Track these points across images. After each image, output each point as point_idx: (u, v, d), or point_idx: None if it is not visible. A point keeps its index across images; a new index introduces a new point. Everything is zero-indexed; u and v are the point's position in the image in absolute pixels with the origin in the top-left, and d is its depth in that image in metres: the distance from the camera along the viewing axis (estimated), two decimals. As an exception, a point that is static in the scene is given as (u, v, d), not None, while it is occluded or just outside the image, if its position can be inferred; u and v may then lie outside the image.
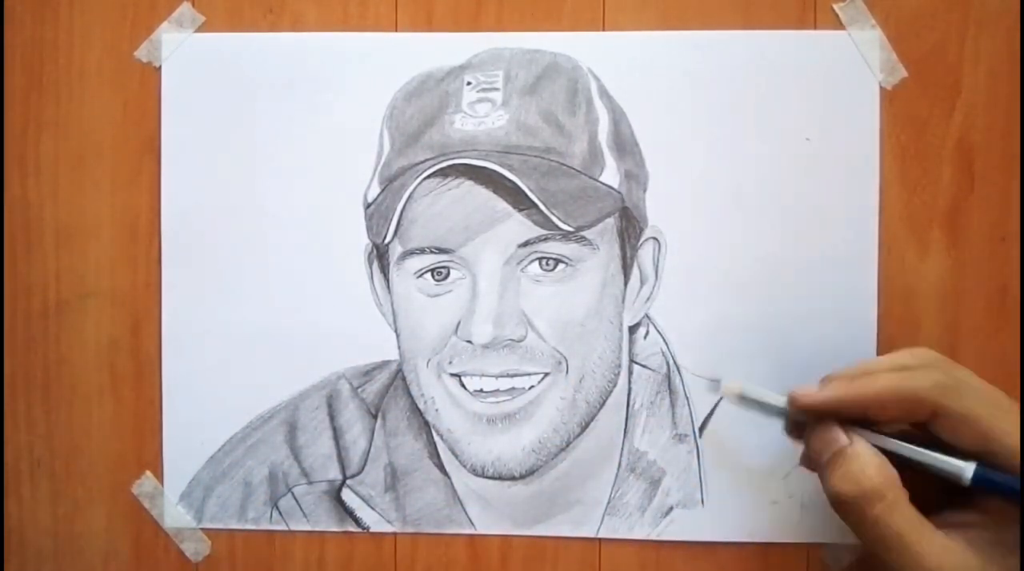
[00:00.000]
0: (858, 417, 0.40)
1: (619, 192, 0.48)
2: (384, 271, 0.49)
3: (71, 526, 0.51)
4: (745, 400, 0.43)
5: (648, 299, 0.49)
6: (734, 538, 0.49)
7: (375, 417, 0.50)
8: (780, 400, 0.42)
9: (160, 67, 0.50)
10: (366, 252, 0.50)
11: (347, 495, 0.50)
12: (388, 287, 0.49)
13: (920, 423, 0.40)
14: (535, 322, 0.47)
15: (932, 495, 0.39)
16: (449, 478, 0.50)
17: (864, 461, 0.39)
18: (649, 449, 0.49)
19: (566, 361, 0.48)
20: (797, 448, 0.43)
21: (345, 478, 0.50)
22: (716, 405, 0.49)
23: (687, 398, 0.49)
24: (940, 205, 0.48)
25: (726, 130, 0.48)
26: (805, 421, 0.42)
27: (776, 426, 0.43)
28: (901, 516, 0.38)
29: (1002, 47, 0.48)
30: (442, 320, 0.48)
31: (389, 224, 0.47)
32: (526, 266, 0.47)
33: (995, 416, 0.38)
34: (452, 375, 0.48)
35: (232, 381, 0.50)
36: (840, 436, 0.40)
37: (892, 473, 0.39)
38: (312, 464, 0.50)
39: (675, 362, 0.49)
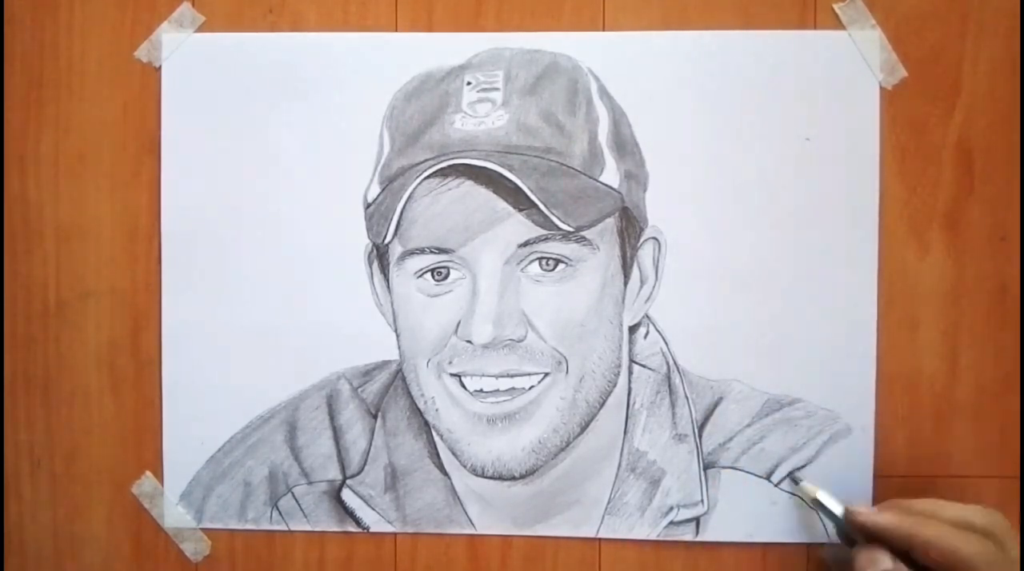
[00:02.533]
0: (904, 550, 0.42)
1: (619, 192, 0.48)
2: (384, 271, 0.49)
3: (71, 526, 0.51)
4: (815, 502, 0.46)
5: (648, 299, 0.49)
6: (734, 538, 0.49)
7: (375, 417, 0.50)
8: (839, 508, 0.45)
9: (160, 67, 0.50)
10: (366, 252, 0.50)
11: (347, 495, 0.50)
12: (388, 287, 0.49)
13: None
14: (535, 322, 0.47)
15: None
16: (449, 478, 0.50)
17: None
18: (649, 449, 0.49)
19: (566, 361, 0.48)
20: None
21: (345, 478, 0.50)
22: (716, 405, 0.49)
23: (687, 398, 0.49)
24: (940, 205, 0.48)
25: (726, 130, 0.48)
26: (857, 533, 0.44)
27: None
28: None
29: (1002, 47, 0.48)
30: (442, 320, 0.47)
31: (389, 224, 0.47)
32: (526, 266, 0.47)
33: None
34: (452, 375, 0.48)
35: (232, 381, 0.50)
36: (886, 562, 0.42)
37: None
38: (312, 464, 0.50)
39: (675, 362, 0.49)
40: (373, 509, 0.50)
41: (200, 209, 0.50)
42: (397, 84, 0.49)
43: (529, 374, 0.47)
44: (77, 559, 0.51)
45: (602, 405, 0.48)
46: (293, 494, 0.50)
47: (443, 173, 0.47)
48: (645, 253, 0.49)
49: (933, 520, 0.43)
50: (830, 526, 0.47)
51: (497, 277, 0.47)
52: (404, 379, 0.49)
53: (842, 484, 0.48)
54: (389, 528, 0.50)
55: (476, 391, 0.48)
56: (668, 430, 0.49)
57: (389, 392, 0.50)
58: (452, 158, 0.46)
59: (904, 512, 0.43)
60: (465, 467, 0.49)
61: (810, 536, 0.48)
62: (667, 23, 0.49)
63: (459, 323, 0.47)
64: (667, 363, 0.49)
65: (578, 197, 0.46)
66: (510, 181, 0.45)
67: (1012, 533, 0.42)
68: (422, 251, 0.47)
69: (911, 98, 0.48)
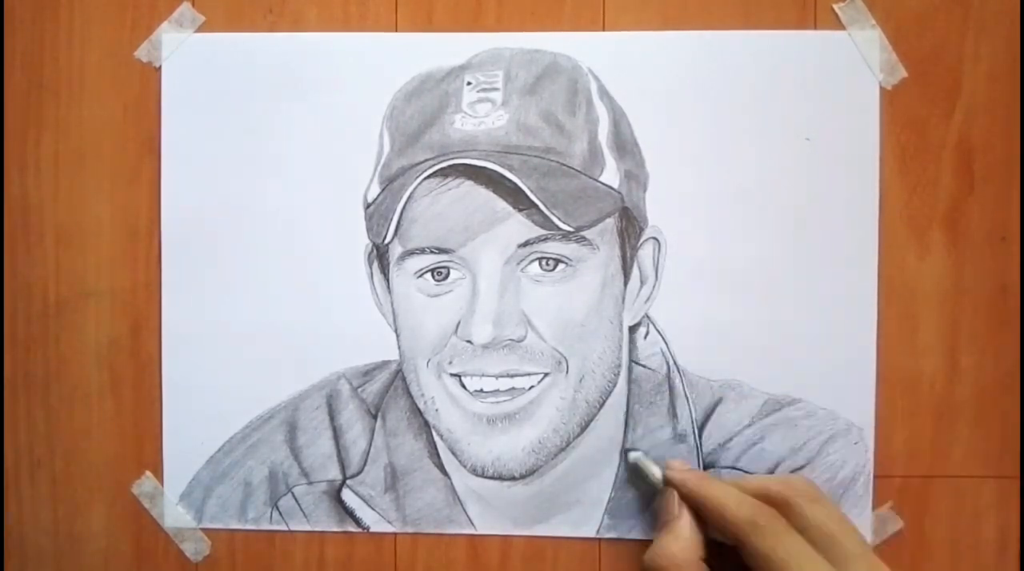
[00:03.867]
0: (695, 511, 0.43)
1: (619, 192, 0.48)
2: (384, 271, 0.49)
3: (71, 526, 0.51)
4: (632, 468, 0.48)
5: (648, 299, 0.49)
6: (734, 538, 0.49)
7: (375, 417, 0.50)
8: (657, 470, 0.46)
9: (160, 67, 0.50)
10: (366, 252, 0.50)
11: (347, 495, 0.50)
12: (388, 287, 0.49)
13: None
14: (535, 322, 0.47)
15: None
16: (449, 478, 0.50)
17: (672, 536, 0.43)
18: (649, 449, 0.49)
19: (566, 361, 0.48)
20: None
21: (345, 478, 0.50)
22: (716, 405, 0.49)
23: (687, 398, 0.49)
24: (940, 205, 0.48)
25: (726, 130, 0.48)
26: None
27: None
28: None
29: (1002, 47, 0.48)
30: (442, 320, 0.48)
31: (389, 224, 0.47)
32: (526, 266, 0.47)
33: (795, 569, 0.39)
34: (452, 375, 0.48)
35: (232, 381, 0.50)
36: (674, 506, 0.44)
37: (689, 557, 0.42)
38: (312, 464, 0.50)
39: (675, 362, 0.49)
40: (373, 509, 0.50)
41: (200, 209, 0.50)
42: (397, 84, 0.49)
43: (529, 374, 0.47)
44: (77, 559, 0.51)
45: (602, 405, 0.48)
46: (293, 494, 0.50)
47: (443, 173, 0.47)
48: (645, 253, 0.49)
49: (724, 484, 0.43)
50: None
51: (497, 277, 0.47)
52: (404, 379, 0.49)
53: (842, 484, 0.48)
54: (389, 528, 0.50)
55: (476, 391, 0.48)
56: (668, 430, 0.49)
57: (389, 392, 0.50)
58: (452, 158, 0.46)
59: (702, 475, 0.44)
60: (465, 467, 0.49)
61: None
62: (667, 23, 0.49)
63: (459, 323, 0.47)
64: (667, 363, 0.49)
65: (578, 197, 0.46)
66: (510, 181, 0.45)
67: (811, 496, 0.42)
68: (422, 251, 0.47)
69: (911, 98, 0.48)
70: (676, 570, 0.42)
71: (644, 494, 0.49)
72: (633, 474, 0.48)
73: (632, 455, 0.48)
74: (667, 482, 0.45)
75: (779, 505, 0.41)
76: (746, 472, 0.48)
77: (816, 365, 0.48)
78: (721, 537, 0.43)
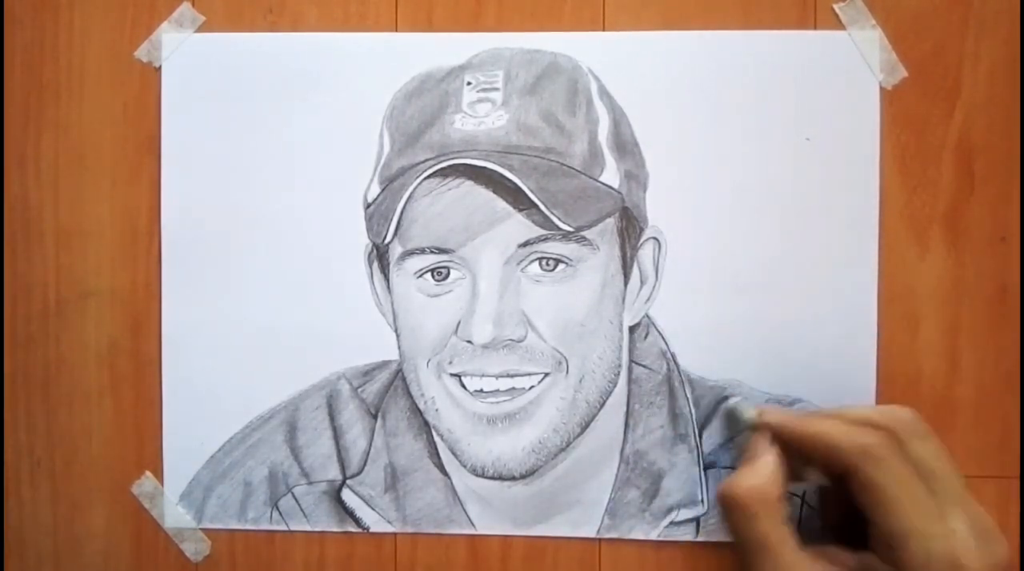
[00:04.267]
0: (799, 451, 0.42)
1: (619, 192, 0.48)
2: (384, 271, 0.49)
3: (71, 526, 0.51)
4: (728, 412, 0.48)
5: (648, 299, 0.49)
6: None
7: (375, 417, 0.50)
8: (751, 412, 0.45)
9: (160, 67, 0.50)
10: (366, 252, 0.50)
11: (347, 495, 0.50)
12: (388, 287, 0.49)
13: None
14: (535, 322, 0.47)
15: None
16: (449, 478, 0.50)
17: (753, 470, 0.42)
18: (649, 449, 0.49)
19: (566, 361, 0.48)
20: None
21: (345, 478, 0.50)
22: (717, 405, 0.49)
23: (687, 398, 0.49)
24: (940, 205, 0.48)
25: (726, 130, 0.48)
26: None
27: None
28: (763, 529, 0.40)
29: (1002, 47, 0.48)
30: (442, 320, 0.47)
31: (389, 224, 0.47)
32: (526, 266, 0.47)
33: (903, 502, 0.39)
34: (452, 375, 0.48)
35: (232, 381, 0.50)
36: (762, 445, 0.43)
37: (767, 492, 0.41)
38: (312, 464, 0.50)
39: (675, 362, 0.49)
40: (373, 509, 0.50)
41: (200, 209, 0.50)
42: (397, 84, 0.49)
43: (529, 374, 0.47)
44: (77, 559, 0.51)
45: (602, 405, 0.48)
46: (293, 494, 0.50)
47: (443, 173, 0.47)
48: (645, 253, 0.49)
49: (827, 417, 0.42)
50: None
51: (497, 277, 0.47)
52: (404, 379, 0.49)
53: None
54: (389, 528, 0.50)
55: (476, 391, 0.48)
56: (668, 430, 0.49)
57: (389, 392, 0.50)
58: (452, 158, 0.46)
59: (799, 414, 0.44)
60: (465, 467, 0.49)
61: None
62: (667, 23, 0.49)
63: (459, 323, 0.47)
64: (667, 363, 0.49)
65: (578, 197, 0.46)
66: (510, 181, 0.45)
67: (920, 431, 0.41)
68: (422, 251, 0.47)
69: (911, 98, 0.48)
70: (757, 503, 0.41)
71: (645, 494, 0.49)
72: (726, 419, 0.48)
73: (731, 400, 0.48)
74: (760, 425, 0.44)
75: (886, 433, 0.40)
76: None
77: (816, 365, 0.48)
78: (824, 471, 0.42)
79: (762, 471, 0.42)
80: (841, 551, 0.42)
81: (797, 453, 0.43)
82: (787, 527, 0.41)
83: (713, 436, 0.49)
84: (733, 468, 0.48)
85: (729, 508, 0.42)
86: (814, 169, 0.48)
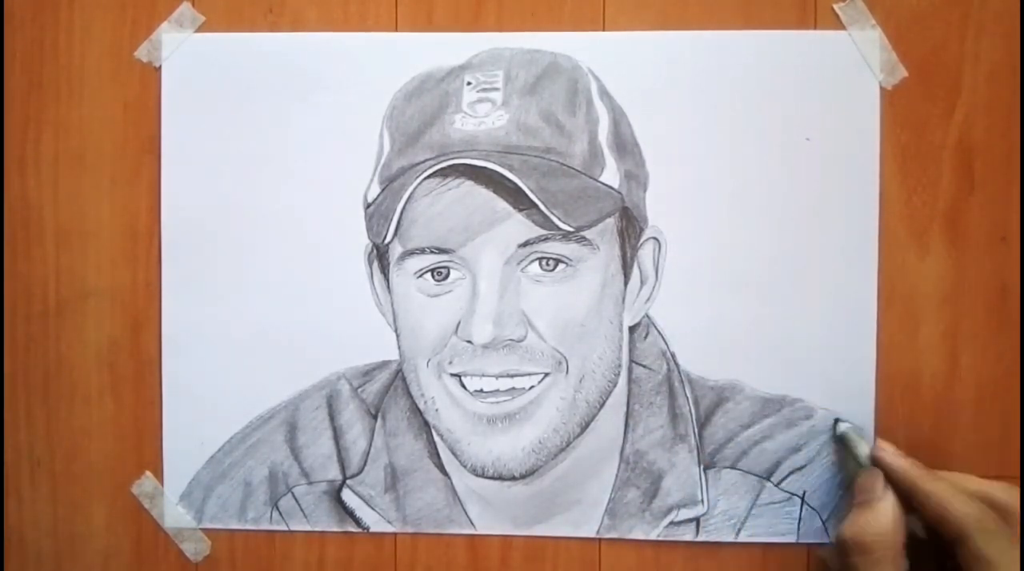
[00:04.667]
0: (907, 499, 0.43)
1: (619, 192, 0.48)
2: (384, 271, 0.49)
3: (71, 526, 0.51)
4: (840, 438, 0.47)
5: (648, 299, 0.49)
6: (734, 538, 0.49)
7: (375, 417, 0.50)
8: (865, 447, 0.46)
9: (160, 67, 0.50)
10: (366, 252, 0.50)
11: (347, 495, 0.50)
12: (388, 287, 0.49)
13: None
14: (535, 322, 0.47)
15: None
16: (449, 478, 0.50)
17: (877, 515, 0.42)
18: (649, 449, 0.49)
19: (566, 361, 0.47)
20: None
21: (345, 478, 0.50)
22: (717, 405, 0.49)
23: (687, 398, 0.49)
24: (940, 205, 0.48)
25: (726, 130, 0.48)
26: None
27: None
28: None
29: (1002, 47, 0.48)
30: (442, 320, 0.47)
31: (389, 224, 0.47)
32: (526, 266, 0.47)
33: None
34: (452, 375, 0.48)
35: (232, 381, 0.50)
36: (879, 486, 0.43)
37: (894, 539, 0.41)
38: (312, 464, 0.50)
39: (675, 362, 0.49)
40: (373, 509, 0.50)
41: (200, 209, 0.50)
42: (397, 84, 0.49)
43: (529, 374, 0.47)
44: (77, 559, 0.51)
45: (602, 405, 0.48)
46: (293, 494, 0.50)
47: (443, 173, 0.47)
48: (645, 253, 0.49)
49: (945, 481, 0.42)
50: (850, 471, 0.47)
51: (497, 277, 0.47)
52: (404, 379, 0.49)
53: (843, 484, 0.48)
54: (389, 528, 0.50)
55: (476, 391, 0.48)
56: (668, 430, 0.49)
57: (389, 392, 0.50)
58: (452, 158, 0.46)
59: (923, 468, 0.43)
60: (465, 467, 0.49)
61: (810, 536, 0.48)
62: (667, 23, 0.49)
63: (459, 323, 0.47)
64: (667, 363, 0.49)
65: (578, 197, 0.46)
66: (510, 181, 0.45)
67: None
68: (422, 251, 0.47)
69: (911, 98, 0.48)
70: (883, 549, 0.41)
71: (645, 494, 0.49)
72: (838, 445, 0.48)
73: (842, 426, 0.47)
74: (875, 461, 0.45)
75: (1001, 512, 0.41)
76: (747, 473, 0.48)
77: (816, 365, 0.48)
78: (930, 530, 0.42)
79: (887, 516, 0.42)
80: None
81: (904, 499, 0.43)
82: None
83: (713, 436, 0.49)
84: (734, 468, 0.48)
85: (854, 551, 0.42)
86: (814, 169, 0.48)
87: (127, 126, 0.51)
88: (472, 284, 0.47)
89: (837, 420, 0.48)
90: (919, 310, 0.48)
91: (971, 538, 0.40)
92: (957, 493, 0.41)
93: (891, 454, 0.44)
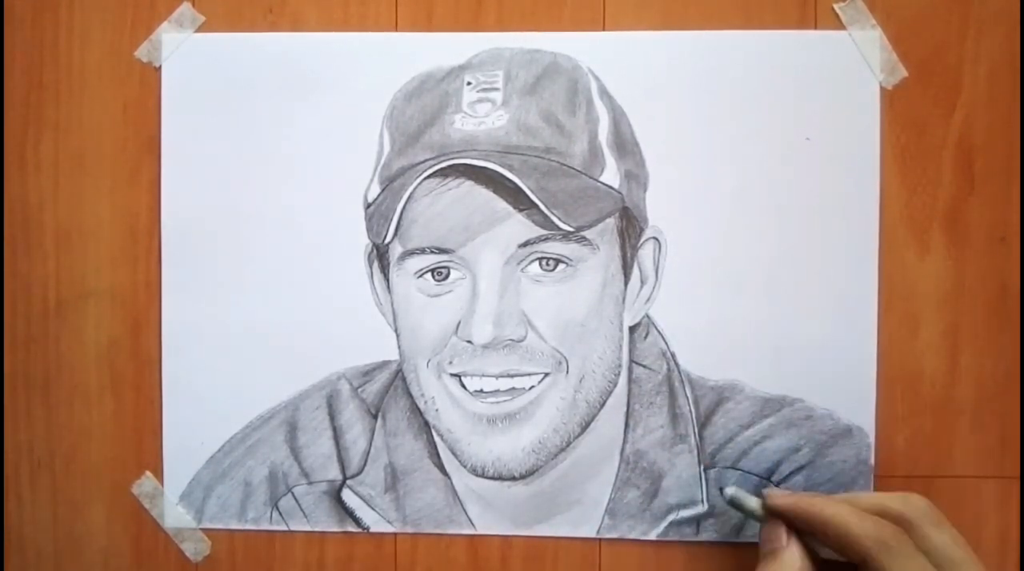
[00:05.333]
0: (809, 533, 0.42)
1: (619, 192, 0.48)
2: (384, 271, 0.49)
3: (71, 526, 0.51)
4: (731, 501, 0.45)
5: (648, 299, 0.49)
6: (734, 538, 0.49)
7: (375, 417, 0.50)
8: (755, 501, 0.44)
9: (160, 67, 0.50)
10: (366, 252, 0.50)
11: (347, 495, 0.50)
12: (388, 287, 0.49)
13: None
14: (535, 322, 0.47)
15: None
16: (449, 478, 0.50)
17: (783, 565, 0.41)
18: (649, 449, 0.49)
19: (566, 361, 0.48)
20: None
21: (345, 478, 0.50)
22: (717, 405, 0.49)
23: (687, 398, 0.49)
24: (940, 205, 0.48)
25: (726, 130, 0.48)
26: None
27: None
28: None
29: (1002, 47, 0.48)
30: (442, 320, 0.47)
31: (389, 224, 0.47)
32: (526, 266, 0.47)
33: None
34: (452, 375, 0.48)
35: (232, 381, 0.50)
36: (781, 536, 0.42)
37: None
38: (312, 464, 0.50)
39: (675, 362, 0.49)
40: (373, 509, 0.50)
41: (200, 209, 0.50)
42: (397, 84, 0.49)
43: (529, 374, 0.47)
44: (77, 559, 0.51)
45: (602, 405, 0.48)
46: (293, 494, 0.50)
47: (443, 173, 0.47)
48: (645, 253, 0.49)
49: (840, 503, 0.41)
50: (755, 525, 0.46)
51: (497, 277, 0.47)
52: (404, 379, 0.49)
53: (842, 484, 0.48)
54: (389, 528, 0.50)
55: (476, 391, 0.48)
56: (668, 430, 0.49)
57: (389, 392, 0.50)
58: (452, 158, 0.46)
59: (812, 497, 0.42)
60: (465, 467, 0.49)
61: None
62: (667, 23, 0.49)
63: (459, 323, 0.47)
64: (667, 363, 0.49)
65: (578, 197, 0.46)
66: (510, 181, 0.45)
67: (933, 519, 0.40)
68: (422, 251, 0.47)
69: (911, 98, 0.48)
70: None
71: (645, 494, 0.49)
72: (732, 506, 0.46)
73: (727, 491, 0.45)
74: (770, 511, 0.43)
75: (900, 524, 0.40)
76: (747, 473, 0.48)
77: (816, 365, 0.48)
78: (836, 555, 0.41)
79: (794, 565, 0.41)
80: None
81: (807, 531, 0.42)
82: None
83: (713, 436, 0.49)
84: (734, 468, 0.48)
85: None
86: (814, 169, 0.48)
87: (127, 126, 0.51)
88: (472, 284, 0.47)
89: (721, 488, 0.47)
90: (919, 310, 0.48)
91: (874, 558, 0.39)
92: (853, 514, 0.40)
93: (779, 497, 0.43)
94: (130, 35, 0.50)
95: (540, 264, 0.47)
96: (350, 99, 0.49)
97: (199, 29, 0.50)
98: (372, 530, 0.50)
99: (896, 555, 0.39)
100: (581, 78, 0.48)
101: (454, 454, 0.49)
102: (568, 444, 0.48)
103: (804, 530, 0.42)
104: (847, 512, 0.40)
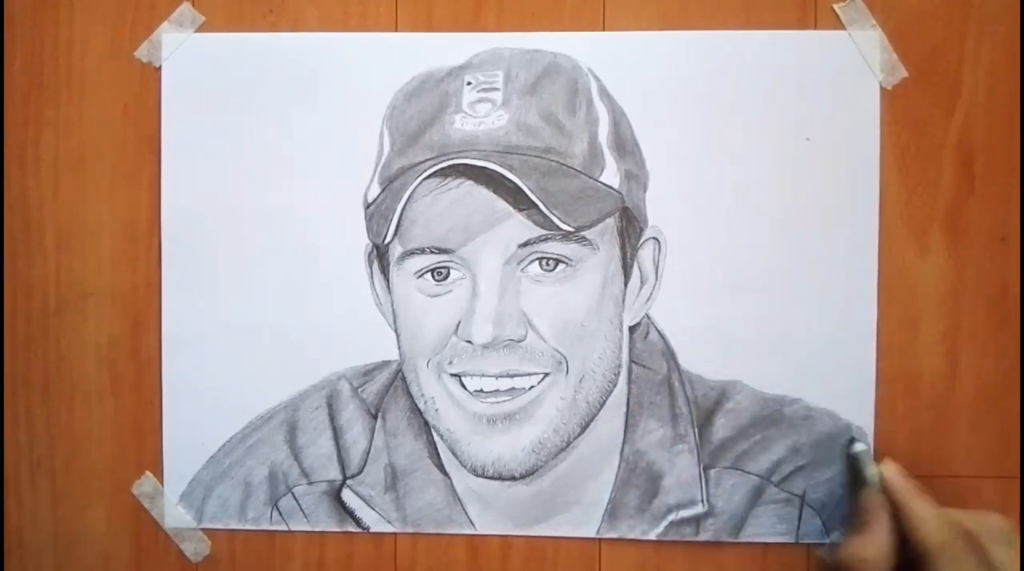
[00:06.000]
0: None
1: (619, 192, 0.48)
2: (384, 271, 0.49)
3: (71, 526, 0.51)
4: (855, 458, 0.48)
5: (648, 299, 0.49)
6: (734, 538, 0.49)
7: (375, 417, 0.50)
8: (875, 469, 0.47)
9: (160, 67, 0.50)
10: (366, 252, 0.50)
11: (347, 495, 0.50)
12: (388, 287, 0.49)
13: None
14: (535, 322, 0.47)
15: None
16: (449, 478, 0.50)
17: (872, 538, 0.44)
18: (649, 449, 0.49)
19: (566, 361, 0.47)
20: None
21: (345, 478, 0.50)
22: (716, 405, 0.49)
23: (687, 398, 0.49)
24: (940, 205, 0.48)
25: (726, 130, 0.48)
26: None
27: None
28: None
29: (1002, 47, 0.48)
30: (442, 320, 0.47)
31: (389, 224, 0.47)
32: (526, 266, 0.47)
33: None
34: (452, 375, 0.48)
35: (232, 381, 0.50)
36: (877, 509, 0.45)
37: (884, 563, 0.43)
38: (312, 464, 0.50)
39: (675, 362, 0.49)
40: (373, 509, 0.50)
41: (200, 209, 0.50)
42: (397, 84, 0.49)
43: (529, 374, 0.47)
44: (77, 559, 0.51)
45: (602, 405, 0.48)
46: (293, 494, 0.50)
47: (443, 173, 0.47)
48: (645, 253, 0.49)
49: (930, 504, 0.44)
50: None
51: (497, 277, 0.47)
52: (404, 379, 0.49)
53: (842, 484, 0.48)
54: (389, 528, 0.50)
55: (476, 391, 0.48)
56: (668, 430, 0.49)
57: (389, 392, 0.50)
58: (452, 158, 0.46)
59: (916, 491, 0.45)
60: (465, 467, 0.49)
61: (810, 536, 0.48)
62: (667, 23, 0.49)
63: (459, 323, 0.47)
64: (667, 363, 0.49)
65: (578, 197, 0.46)
66: (510, 181, 0.45)
67: (1007, 538, 0.42)
68: (422, 251, 0.47)
69: (911, 98, 0.48)
70: (868, 566, 0.43)
71: (645, 494, 0.49)
72: (848, 463, 0.48)
73: (857, 446, 0.47)
74: (882, 482, 0.46)
75: (969, 539, 0.42)
76: (746, 472, 0.48)
77: (816, 365, 0.48)
78: (911, 549, 0.43)
79: (880, 540, 0.44)
80: None
81: (894, 513, 0.44)
82: None
83: (713, 436, 0.49)
84: (734, 468, 0.48)
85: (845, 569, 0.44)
86: (814, 169, 0.48)
87: (127, 126, 0.51)
88: (472, 284, 0.47)
89: (852, 439, 0.48)
90: (919, 310, 0.48)
91: (935, 560, 0.42)
92: (936, 516, 0.43)
93: (893, 472, 0.46)
94: (130, 35, 0.50)
95: (540, 264, 0.47)
96: (350, 99, 0.49)
97: (199, 29, 0.50)
98: (372, 530, 0.50)
99: (953, 562, 0.42)
100: (581, 78, 0.48)
101: (454, 454, 0.49)
102: (568, 444, 0.48)
103: (894, 511, 0.44)
104: (928, 510, 0.44)
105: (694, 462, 0.49)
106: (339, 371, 0.50)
